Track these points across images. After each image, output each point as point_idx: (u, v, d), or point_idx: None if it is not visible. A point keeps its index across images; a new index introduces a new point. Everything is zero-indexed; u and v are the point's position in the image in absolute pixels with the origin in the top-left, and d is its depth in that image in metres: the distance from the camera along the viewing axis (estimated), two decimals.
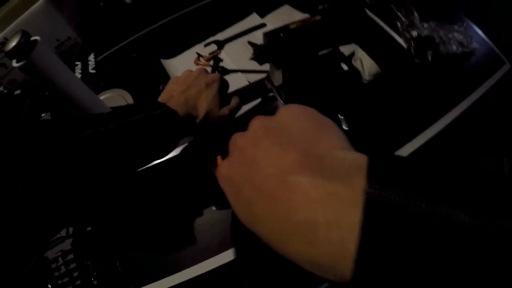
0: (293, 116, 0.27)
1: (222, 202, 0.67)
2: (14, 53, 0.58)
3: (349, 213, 0.18)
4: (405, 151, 0.65)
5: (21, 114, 0.90)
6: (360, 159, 0.20)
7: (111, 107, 0.70)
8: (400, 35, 0.87)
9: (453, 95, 0.72)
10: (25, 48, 0.58)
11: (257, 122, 0.29)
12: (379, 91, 0.74)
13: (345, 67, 0.76)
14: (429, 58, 0.82)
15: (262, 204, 0.22)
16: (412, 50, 0.84)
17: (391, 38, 0.85)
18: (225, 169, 0.27)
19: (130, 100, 0.80)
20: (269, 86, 0.68)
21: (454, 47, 0.83)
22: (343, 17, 0.81)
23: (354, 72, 0.75)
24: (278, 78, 0.64)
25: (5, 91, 0.98)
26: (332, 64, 0.73)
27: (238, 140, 0.28)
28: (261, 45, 0.74)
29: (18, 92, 0.94)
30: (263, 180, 0.22)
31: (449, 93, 0.73)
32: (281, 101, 0.66)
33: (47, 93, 0.93)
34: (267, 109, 0.71)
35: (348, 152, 0.22)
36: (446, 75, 0.77)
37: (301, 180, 0.20)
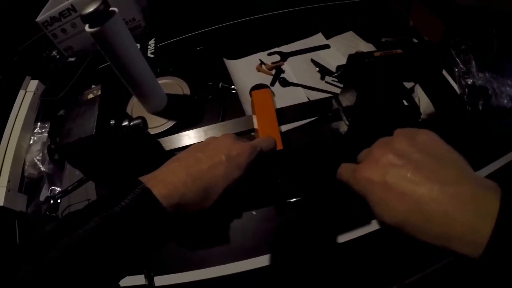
0: (436, 141, 0.33)
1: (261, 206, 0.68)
2: (90, 18, 0.58)
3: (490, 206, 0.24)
4: None
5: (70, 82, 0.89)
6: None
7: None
8: (455, 81, 0.89)
9: (494, 149, 0.74)
10: (102, 16, 0.58)
11: (403, 139, 0.31)
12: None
13: (405, 102, 0.77)
14: (480, 108, 0.84)
15: (419, 215, 0.27)
16: (465, 98, 0.86)
17: (447, 82, 0.88)
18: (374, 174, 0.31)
19: (186, 90, 0.81)
20: (335, 105, 0.69)
21: (505, 101, 0.85)
22: (420, 54, 0.84)
23: (414, 108, 0.77)
24: (349, 100, 0.66)
25: (57, 57, 0.98)
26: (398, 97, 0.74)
27: (394, 145, 0.32)
28: (345, 65, 0.76)
29: (72, 59, 0.93)
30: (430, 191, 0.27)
31: (491, 146, 0.75)
32: (346, 122, 0.67)
33: (100, 66, 0.93)
34: (323, 128, 0.72)
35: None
36: (492, 127, 0.79)
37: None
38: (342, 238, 0.64)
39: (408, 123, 0.76)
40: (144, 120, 0.53)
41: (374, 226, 0.64)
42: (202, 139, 0.71)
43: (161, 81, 0.82)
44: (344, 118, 0.68)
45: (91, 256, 0.30)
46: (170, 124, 0.76)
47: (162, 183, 0.35)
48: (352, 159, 0.48)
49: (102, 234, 0.31)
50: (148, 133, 0.62)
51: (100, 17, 0.58)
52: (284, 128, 0.70)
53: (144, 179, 0.35)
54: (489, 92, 0.85)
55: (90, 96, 0.87)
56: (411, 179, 0.29)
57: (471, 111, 0.83)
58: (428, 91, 0.81)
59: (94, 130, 0.48)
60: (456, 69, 0.89)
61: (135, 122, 0.53)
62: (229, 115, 0.76)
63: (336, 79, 0.82)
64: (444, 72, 0.89)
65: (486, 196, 0.25)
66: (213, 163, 0.37)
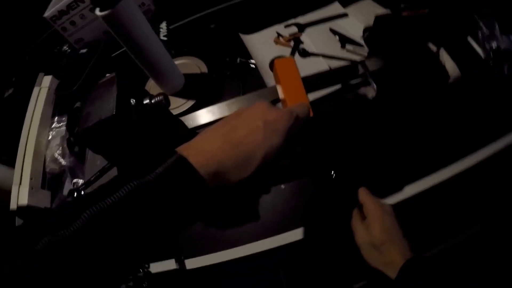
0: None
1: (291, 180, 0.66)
2: (100, 1, 0.57)
3: None
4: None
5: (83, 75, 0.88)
6: None
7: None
8: (479, 45, 0.85)
9: None
10: None
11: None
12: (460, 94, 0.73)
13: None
14: (505, 71, 0.80)
15: None
16: (491, 62, 0.82)
17: (470, 46, 0.84)
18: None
19: (204, 68, 0.78)
20: (361, 70, 0.67)
21: None
22: (446, 16, 0.80)
23: (443, 71, 0.74)
24: (376, 64, 0.63)
25: (68, 51, 0.96)
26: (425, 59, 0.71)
27: None
28: (371, 27, 0.73)
29: (84, 51, 0.92)
30: None
31: None
32: (374, 86, 0.64)
33: (112, 55, 0.92)
34: (349, 96, 0.69)
35: None
36: None
37: None
38: None
39: (436, 86, 0.73)
40: (166, 97, 0.51)
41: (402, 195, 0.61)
42: (226, 114, 0.69)
43: (178, 61, 0.80)
44: (372, 82, 0.65)
45: (119, 225, 0.28)
46: (189, 103, 0.74)
47: (198, 151, 0.32)
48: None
49: (132, 203, 0.28)
50: (170, 112, 0.59)
51: None
52: (309, 97, 0.67)
53: (178, 149, 0.33)
54: None
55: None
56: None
57: (497, 75, 0.79)
58: (453, 55, 0.77)
59: (115, 110, 0.45)
60: (480, 33, 0.85)
61: (157, 99, 0.51)
62: (250, 89, 0.73)
63: (358, 46, 0.79)
64: (469, 36, 0.85)
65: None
66: (250, 130, 0.35)
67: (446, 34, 0.81)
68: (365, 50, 0.78)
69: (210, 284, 0.63)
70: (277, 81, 0.64)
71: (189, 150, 0.32)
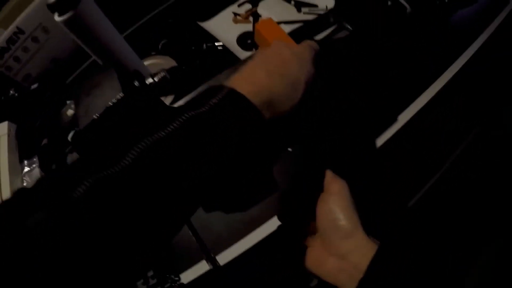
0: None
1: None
2: (58, 5, 0.53)
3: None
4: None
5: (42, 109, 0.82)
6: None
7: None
8: None
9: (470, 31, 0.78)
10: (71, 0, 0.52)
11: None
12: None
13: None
14: (446, 0, 0.87)
15: None
16: None
17: None
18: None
19: (172, 63, 0.77)
20: (332, 19, 0.69)
21: None
22: None
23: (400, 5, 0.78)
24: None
25: (16, 94, 0.90)
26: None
27: None
28: None
29: (35, 86, 0.85)
30: None
31: (467, 29, 0.79)
32: (349, 27, 0.67)
33: (67, 81, 0.87)
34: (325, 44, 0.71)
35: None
36: (463, 13, 0.83)
37: None
38: None
39: (396, 20, 0.78)
40: (168, 70, 0.48)
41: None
42: None
43: (147, 62, 0.77)
44: (346, 25, 0.68)
45: (173, 159, 0.24)
46: (169, 99, 0.71)
47: (246, 82, 0.31)
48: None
49: (187, 135, 0.25)
50: (162, 101, 0.57)
51: (69, 2, 0.52)
52: None
53: (225, 83, 0.31)
54: None
55: (70, 111, 0.81)
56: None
57: (439, 4, 0.85)
58: None
59: (122, 91, 0.42)
60: None
61: (160, 75, 0.48)
62: (224, 68, 0.72)
63: (313, 7, 0.82)
64: None
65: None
66: (284, 58, 0.35)
67: None
68: (320, 9, 0.81)
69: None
70: (265, 42, 0.64)
71: (237, 83, 0.30)
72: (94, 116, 0.42)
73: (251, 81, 0.31)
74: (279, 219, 0.51)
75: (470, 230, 0.59)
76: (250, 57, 0.68)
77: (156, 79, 0.47)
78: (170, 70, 0.72)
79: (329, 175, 0.41)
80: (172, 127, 0.25)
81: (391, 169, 0.61)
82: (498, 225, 0.63)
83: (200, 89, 0.68)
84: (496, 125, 0.67)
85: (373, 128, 0.61)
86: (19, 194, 0.23)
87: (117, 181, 0.22)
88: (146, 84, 0.46)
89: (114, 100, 0.41)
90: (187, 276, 0.58)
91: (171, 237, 0.27)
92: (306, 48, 0.38)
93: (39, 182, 0.23)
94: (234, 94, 0.28)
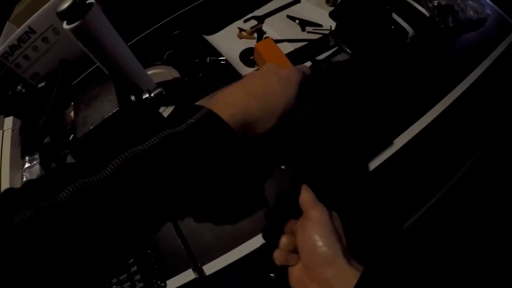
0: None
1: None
2: (67, 14, 0.55)
3: None
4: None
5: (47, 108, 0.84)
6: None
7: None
8: (422, 5, 0.93)
9: (472, 56, 0.79)
10: (80, 9, 0.55)
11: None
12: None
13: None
14: (451, 24, 0.88)
15: None
16: (436, 18, 0.90)
17: (415, 8, 0.91)
18: None
19: (175, 74, 0.78)
20: (332, 41, 0.71)
21: (471, 13, 0.90)
22: None
23: (402, 31, 0.80)
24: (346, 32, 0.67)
25: (23, 90, 0.92)
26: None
27: None
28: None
29: (42, 85, 0.88)
30: None
31: (470, 55, 0.80)
32: (348, 51, 0.69)
33: (73, 83, 0.89)
34: (323, 66, 0.73)
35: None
36: (467, 38, 0.84)
37: None
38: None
39: (398, 44, 0.79)
40: (165, 86, 0.50)
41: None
42: None
43: (149, 72, 0.79)
44: (345, 48, 0.69)
45: (150, 173, 0.26)
46: (169, 110, 0.73)
47: (224, 105, 0.33)
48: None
49: (164, 151, 0.27)
50: (160, 114, 0.59)
51: (79, 10, 0.54)
52: None
53: (201, 103, 0.33)
54: (455, 8, 0.89)
55: (73, 113, 0.83)
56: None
57: (444, 29, 0.86)
58: (403, 17, 0.84)
59: (118, 106, 0.44)
60: None
61: (156, 91, 0.50)
62: (226, 83, 0.74)
63: (317, 27, 0.83)
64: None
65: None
66: (268, 82, 0.37)
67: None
68: (324, 29, 0.82)
69: None
70: (263, 61, 0.66)
71: (215, 104, 0.32)
72: (91, 127, 0.43)
73: (230, 102, 0.34)
74: (263, 237, 0.52)
75: (461, 261, 0.60)
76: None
77: (152, 94, 0.49)
78: (172, 81, 0.75)
79: (308, 199, 0.42)
80: (150, 142, 0.27)
81: (387, 190, 0.61)
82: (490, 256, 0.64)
83: (202, 101, 0.70)
84: (495, 151, 0.67)
85: (366, 152, 0.62)
86: (6, 193, 0.26)
87: (97, 188, 0.24)
88: (142, 99, 0.48)
89: (110, 114, 0.43)
90: (173, 283, 0.59)
91: (147, 240, 0.29)
92: (294, 73, 0.39)
93: (26, 184, 0.26)
94: (210, 115, 0.31)
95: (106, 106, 0.44)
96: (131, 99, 0.47)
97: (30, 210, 0.22)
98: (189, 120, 0.30)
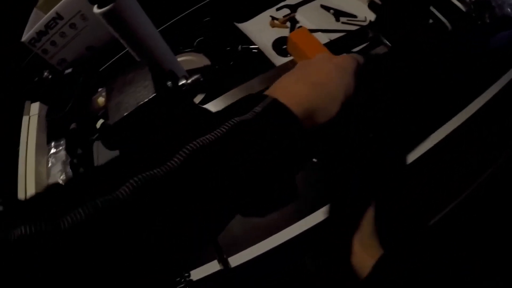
0: None
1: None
2: None
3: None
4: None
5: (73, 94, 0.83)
6: None
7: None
8: (458, 0, 0.89)
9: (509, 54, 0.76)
10: None
11: None
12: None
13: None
14: (487, 20, 0.84)
15: None
16: (473, 13, 0.86)
17: (451, 2, 0.87)
18: None
19: (207, 62, 0.76)
20: (371, 33, 0.68)
21: (509, 10, 0.85)
22: None
23: (441, 25, 0.76)
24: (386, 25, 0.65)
25: (49, 76, 0.91)
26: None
27: None
28: None
29: (69, 71, 0.87)
30: None
31: (506, 52, 0.76)
32: (388, 43, 0.66)
33: (100, 69, 0.88)
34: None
35: None
36: (504, 35, 0.79)
37: None
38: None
39: (437, 39, 0.75)
40: (203, 73, 0.48)
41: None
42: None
43: (179, 59, 0.77)
44: (384, 40, 0.66)
45: (220, 164, 0.24)
46: (199, 98, 0.71)
47: (286, 93, 0.32)
48: None
49: (233, 141, 0.25)
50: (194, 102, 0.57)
51: None
52: None
53: (267, 92, 0.32)
54: (492, 4, 0.86)
55: (101, 99, 0.81)
56: None
57: (481, 25, 0.83)
58: (440, 11, 0.81)
59: (155, 91, 0.42)
60: None
61: (194, 78, 0.48)
62: (258, 73, 0.71)
63: (352, 18, 0.80)
64: None
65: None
66: (325, 72, 0.35)
67: None
68: (359, 20, 0.79)
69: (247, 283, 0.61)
70: (299, 55, 0.63)
71: (278, 93, 0.31)
72: (125, 113, 0.42)
73: (292, 91, 0.32)
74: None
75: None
76: (284, 67, 0.68)
77: (190, 81, 0.47)
78: (203, 69, 0.73)
79: None
80: (219, 131, 0.25)
81: (417, 186, 0.59)
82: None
83: (231, 91, 0.68)
84: None
85: (405, 144, 0.60)
86: (52, 189, 0.22)
87: (164, 182, 0.21)
88: (179, 85, 0.46)
89: (146, 99, 0.41)
90: (197, 274, 0.58)
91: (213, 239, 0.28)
92: (349, 60, 0.38)
93: (76, 178, 0.23)
94: (276, 104, 0.29)
95: (142, 91, 0.42)
96: (167, 85, 0.45)
97: (84, 208, 0.19)
98: (255, 108, 0.28)
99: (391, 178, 0.59)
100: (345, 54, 0.39)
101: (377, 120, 0.58)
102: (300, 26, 0.78)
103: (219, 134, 0.25)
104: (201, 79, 0.46)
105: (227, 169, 0.24)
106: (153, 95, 0.41)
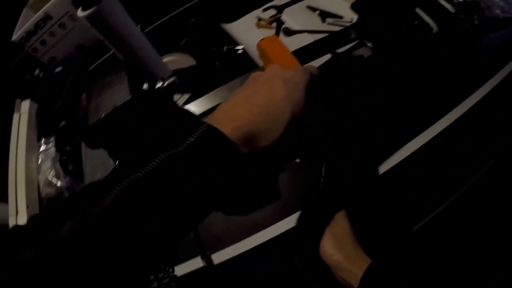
0: None
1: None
2: (81, 1, 0.55)
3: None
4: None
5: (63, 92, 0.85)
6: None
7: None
8: (447, 1, 0.89)
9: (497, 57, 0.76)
10: None
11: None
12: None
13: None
14: (476, 22, 0.84)
15: None
16: (461, 15, 0.86)
17: (438, 3, 0.88)
18: None
19: (192, 62, 0.78)
20: (353, 34, 0.69)
21: (498, 12, 0.86)
22: None
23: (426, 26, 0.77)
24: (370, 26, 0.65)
25: (40, 74, 0.93)
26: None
27: None
28: None
29: (59, 69, 0.88)
30: None
31: (494, 55, 0.77)
32: (369, 45, 0.67)
33: (90, 68, 0.89)
34: (342, 60, 0.71)
35: None
36: (492, 38, 0.80)
37: None
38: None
39: (421, 40, 0.76)
40: (178, 75, 0.49)
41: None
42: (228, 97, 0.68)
43: (165, 59, 0.78)
44: (366, 42, 0.67)
45: (151, 201, 0.25)
46: (185, 97, 0.72)
47: (226, 117, 0.31)
48: None
49: (164, 176, 0.26)
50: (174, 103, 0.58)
51: None
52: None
53: (205, 120, 0.31)
54: (481, 5, 0.86)
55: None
56: None
57: (469, 26, 0.83)
58: (428, 12, 0.81)
59: (130, 95, 0.44)
60: None
61: (170, 80, 0.49)
62: (242, 73, 0.72)
63: (338, 19, 0.81)
64: None
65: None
66: (272, 89, 0.34)
67: None
68: (345, 21, 0.80)
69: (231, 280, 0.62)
70: (267, 60, 0.64)
71: (216, 117, 0.31)
72: (103, 115, 0.43)
73: (233, 115, 0.31)
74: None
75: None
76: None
77: (165, 83, 0.48)
78: (188, 69, 0.74)
79: None
80: (149, 168, 0.26)
81: (400, 191, 0.60)
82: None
83: (215, 91, 0.69)
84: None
85: (381, 151, 0.60)
86: (13, 231, 0.25)
87: (97, 221, 0.23)
88: (155, 88, 0.48)
89: (121, 102, 0.43)
90: (180, 269, 0.60)
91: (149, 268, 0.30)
92: (300, 75, 0.37)
93: (30, 220, 0.25)
94: (211, 132, 0.29)
95: (118, 94, 0.44)
96: (143, 88, 0.46)
97: (32, 249, 0.22)
98: (189, 139, 0.28)
99: (365, 187, 0.59)
100: (298, 67, 0.39)
101: (349, 125, 0.59)
102: (286, 28, 0.79)
103: (147, 171, 0.26)
104: (177, 82, 0.47)
105: (157, 204, 0.25)
106: (128, 97, 0.42)
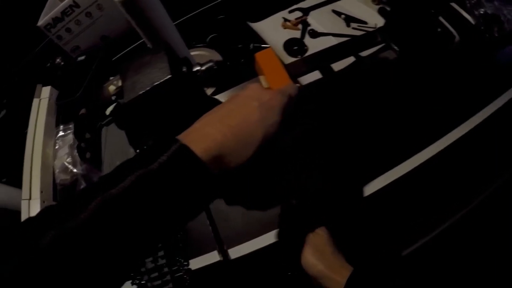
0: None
1: None
2: None
3: None
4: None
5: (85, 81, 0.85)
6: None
7: None
8: (468, 12, 0.90)
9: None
10: None
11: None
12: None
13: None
14: (496, 34, 0.85)
15: None
16: (482, 26, 0.87)
17: (460, 14, 0.89)
18: None
19: (218, 57, 0.78)
20: (380, 38, 0.70)
21: None
22: None
23: (449, 34, 0.78)
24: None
25: (62, 63, 0.93)
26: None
27: None
28: None
29: (82, 58, 0.89)
30: None
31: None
32: (396, 48, 0.67)
33: (113, 58, 0.90)
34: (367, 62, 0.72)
35: None
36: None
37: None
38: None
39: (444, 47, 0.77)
40: (216, 62, 0.50)
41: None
42: None
43: (192, 53, 0.79)
44: (393, 45, 0.68)
45: (124, 216, 0.27)
46: (209, 91, 0.73)
47: (199, 136, 0.32)
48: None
49: (137, 193, 0.27)
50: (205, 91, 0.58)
51: None
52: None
53: (179, 136, 0.32)
54: (502, 18, 0.87)
55: (111, 87, 0.83)
56: None
57: (488, 38, 0.84)
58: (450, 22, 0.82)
59: (170, 73, 0.44)
60: (467, 2, 0.90)
61: (208, 65, 0.50)
62: None
63: (362, 24, 0.82)
64: (456, 6, 0.90)
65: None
66: (246, 111, 0.35)
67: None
68: (369, 26, 0.81)
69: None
70: (260, 72, 0.66)
71: (190, 137, 0.32)
72: (140, 92, 0.43)
73: (205, 134, 0.32)
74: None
75: None
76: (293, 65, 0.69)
77: (204, 68, 0.48)
78: (216, 63, 0.75)
79: None
80: (123, 185, 0.27)
81: (391, 214, 0.59)
82: None
83: (240, 85, 0.70)
84: None
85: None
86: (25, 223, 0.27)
87: (74, 235, 0.25)
88: (193, 71, 0.48)
89: (161, 80, 0.43)
90: (195, 263, 0.59)
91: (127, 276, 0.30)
92: (277, 98, 0.37)
93: (12, 230, 0.27)
94: (183, 151, 0.30)
95: (157, 73, 0.44)
96: (182, 70, 0.47)
97: (15, 259, 0.24)
98: (162, 157, 0.29)
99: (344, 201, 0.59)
100: (289, 83, 0.39)
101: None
102: (312, 30, 0.80)
103: (122, 188, 0.27)
104: (215, 67, 0.47)
105: (131, 221, 0.27)
106: (168, 76, 0.42)
